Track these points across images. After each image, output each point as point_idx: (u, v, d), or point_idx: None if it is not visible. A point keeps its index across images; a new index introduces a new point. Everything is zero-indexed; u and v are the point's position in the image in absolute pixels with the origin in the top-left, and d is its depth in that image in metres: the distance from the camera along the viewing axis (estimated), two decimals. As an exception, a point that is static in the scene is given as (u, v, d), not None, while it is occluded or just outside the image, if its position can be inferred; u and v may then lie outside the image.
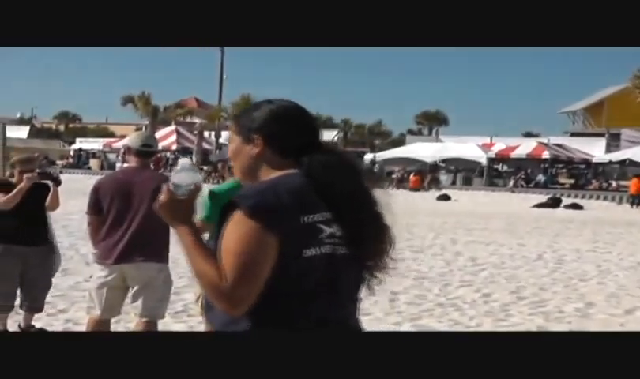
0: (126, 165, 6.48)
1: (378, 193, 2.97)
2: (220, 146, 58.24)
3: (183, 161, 2.92)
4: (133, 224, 6.21)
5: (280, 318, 2.74)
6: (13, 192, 7.40)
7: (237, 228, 2.67)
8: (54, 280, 8.14)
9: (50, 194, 7.64)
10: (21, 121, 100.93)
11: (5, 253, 7.45)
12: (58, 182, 7.87)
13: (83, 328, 7.83)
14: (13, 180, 7.66)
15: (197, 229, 2.81)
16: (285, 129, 2.89)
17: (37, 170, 7.90)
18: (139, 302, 6.34)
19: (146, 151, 6.46)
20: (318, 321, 2.77)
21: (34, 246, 7.53)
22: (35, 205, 7.53)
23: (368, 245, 2.89)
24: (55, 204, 7.71)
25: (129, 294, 6.42)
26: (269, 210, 2.66)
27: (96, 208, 6.38)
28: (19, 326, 7.97)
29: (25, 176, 7.45)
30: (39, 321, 8.16)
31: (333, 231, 2.79)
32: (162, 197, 2.81)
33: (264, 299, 2.69)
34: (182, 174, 2.84)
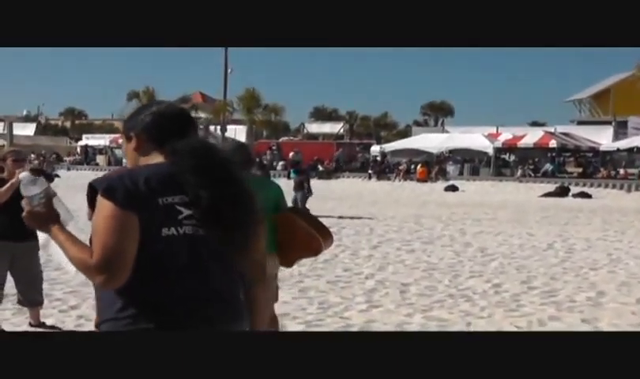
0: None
1: (243, 174, 3.21)
2: (225, 141, 58.28)
3: (22, 176, 3.36)
4: None
5: (149, 296, 2.95)
6: (4, 187, 7.40)
7: (98, 209, 2.93)
8: (65, 277, 8.16)
9: None
10: (27, 119, 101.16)
11: None
12: (50, 179, 7.86)
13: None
14: (4, 175, 7.66)
15: (63, 226, 3.14)
16: (155, 124, 3.17)
17: (29, 167, 7.93)
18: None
19: None
20: (185, 298, 2.97)
21: (22, 241, 7.45)
22: None
23: (222, 226, 3.02)
24: None
25: None
26: (123, 190, 2.91)
27: None
28: (29, 323, 7.99)
29: (17, 171, 7.46)
30: (51, 318, 8.17)
31: (192, 213, 2.99)
32: (24, 213, 3.20)
33: (133, 278, 2.90)
34: (29, 187, 3.22)
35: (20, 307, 8.13)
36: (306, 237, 6.25)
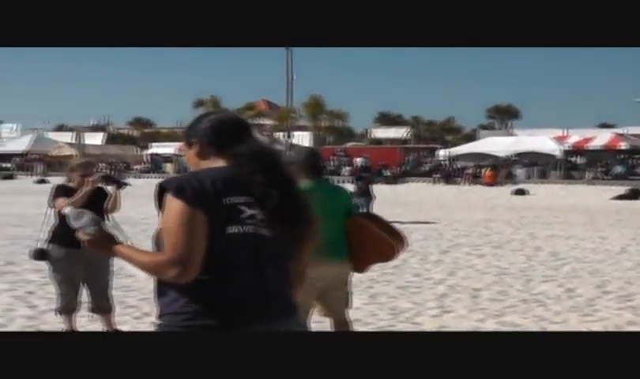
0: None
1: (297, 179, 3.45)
2: (291, 147, 58.47)
3: (68, 211, 3.52)
4: None
5: (209, 294, 3.12)
6: (77, 195, 7.50)
7: (168, 208, 3.11)
8: (137, 284, 8.24)
9: (112, 198, 7.74)
10: (96, 128, 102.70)
11: (66, 257, 7.56)
12: (120, 185, 7.94)
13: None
14: (72, 184, 7.76)
15: (121, 243, 3.39)
16: (214, 131, 3.36)
17: (100, 175, 8.02)
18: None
19: None
20: (243, 297, 3.14)
21: None
22: (96, 208, 7.57)
23: (286, 226, 3.22)
24: (115, 207, 7.77)
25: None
26: (191, 190, 3.09)
27: None
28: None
29: (89, 179, 7.56)
30: (126, 325, 8.25)
31: (254, 213, 3.17)
32: (85, 242, 3.39)
33: (196, 276, 3.08)
34: (77, 221, 3.40)
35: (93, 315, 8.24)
36: (379, 242, 6.21)
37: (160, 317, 3.23)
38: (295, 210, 3.24)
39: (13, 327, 8.47)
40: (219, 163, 3.28)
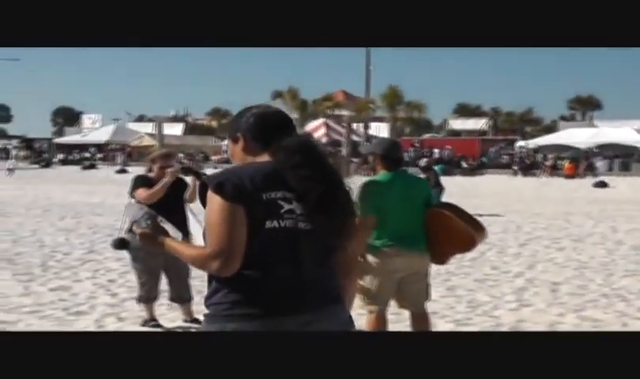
0: None
1: (341, 174, 3.40)
2: (368, 138, 58.33)
3: (126, 204, 3.84)
4: None
5: (249, 285, 3.20)
6: (157, 186, 7.60)
7: (210, 203, 3.20)
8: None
9: (191, 188, 7.82)
10: (175, 119, 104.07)
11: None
12: (199, 177, 8.01)
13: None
14: (152, 175, 7.86)
15: (169, 237, 3.51)
16: (260, 125, 3.42)
17: (179, 166, 8.10)
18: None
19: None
20: (282, 288, 3.22)
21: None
22: (176, 199, 7.67)
23: (327, 219, 3.25)
24: (194, 198, 7.84)
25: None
26: (231, 186, 3.17)
27: None
28: (183, 320, 8.20)
29: (169, 170, 7.64)
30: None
31: (292, 208, 3.24)
32: (139, 239, 3.58)
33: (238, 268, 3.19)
34: (133, 212, 3.58)
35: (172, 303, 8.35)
36: (459, 232, 6.16)
37: (207, 307, 3.33)
38: (336, 203, 3.28)
39: (95, 314, 8.64)
40: (263, 157, 3.35)
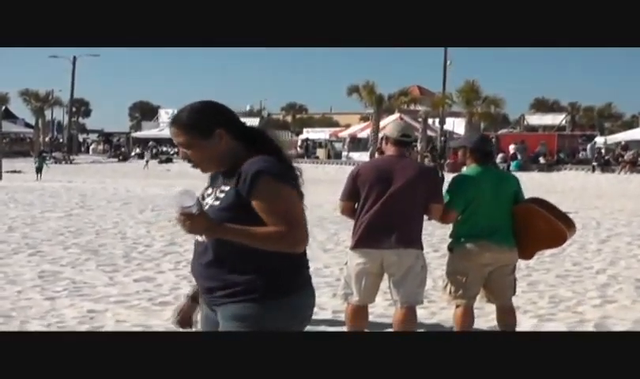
0: (386, 154, 6.61)
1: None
2: (445, 133, 57.93)
3: (176, 191, 3.59)
4: (393, 211, 6.25)
5: (297, 267, 3.61)
6: None
7: (271, 191, 3.44)
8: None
9: None
10: (251, 114, 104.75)
11: None
12: None
13: (327, 313, 8.05)
14: None
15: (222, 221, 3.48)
16: (234, 120, 3.67)
17: None
18: (401, 289, 6.38)
19: (404, 141, 6.52)
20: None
21: None
22: None
23: None
24: None
25: (390, 281, 6.46)
26: (287, 173, 3.55)
27: (351, 194, 6.51)
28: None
29: None
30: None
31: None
32: (191, 223, 3.43)
33: None
34: (184, 199, 3.43)
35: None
36: (549, 227, 6.14)
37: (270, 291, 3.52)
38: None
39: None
40: (242, 151, 3.58)
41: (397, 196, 6.25)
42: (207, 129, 3.57)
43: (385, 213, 6.24)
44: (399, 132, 6.53)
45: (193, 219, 3.42)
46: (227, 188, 3.55)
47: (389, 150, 6.54)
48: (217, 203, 3.58)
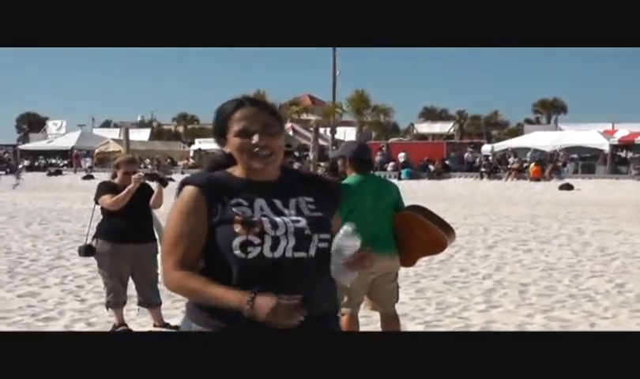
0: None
1: None
2: (336, 142, 58.32)
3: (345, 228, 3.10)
4: None
5: None
6: (122, 193, 7.60)
7: None
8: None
9: (155, 193, 7.85)
10: (142, 125, 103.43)
11: (114, 252, 7.69)
12: (164, 183, 8.03)
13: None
14: (117, 181, 7.85)
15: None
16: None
17: (143, 172, 8.14)
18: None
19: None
20: None
21: (142, 244, 7.76)
22: (142, 204, 7.74)
23: None
24: (159, 203, 7.88)
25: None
26: None
27: None
28: (154, 324, 8.15)
29: (132, 177, 7.65)
30: (175, 319, 8.29)
31: None
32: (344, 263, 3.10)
33: None
34: (346, 239, 3.06)
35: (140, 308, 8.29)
36: (429, 233, 6.18)
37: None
38: None
39: (64, 320, 8.58)
40: None
41: None
42: (282, 123, 3.33)
43: None
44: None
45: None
46: (310, 198, 3.19)
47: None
48: (314, 214, 3.16)
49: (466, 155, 53.90)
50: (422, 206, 6.51)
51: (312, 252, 3.05)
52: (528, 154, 50.53)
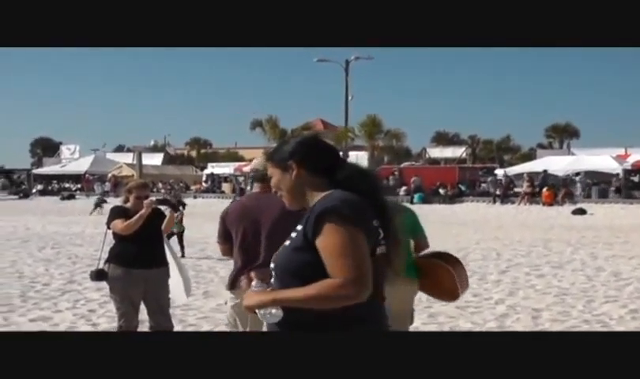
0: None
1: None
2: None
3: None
4: (261, 251, 5.87)
5: (363, 313, 3.23)
6: (134, 218, 7.60)
7: (334, 234, 3.17)
8: (197, 303, 8.28)
9: (167, 219, 7.85)
10: (155, 149, 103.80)
11: (126, 276, 7.67)
12: (175, 209, 8.05)
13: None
14: (129, 205, 7.87)
15: (272, 290, 3.38)
16: (312, 151, 3.47)
17: (155, 197, 8.17)
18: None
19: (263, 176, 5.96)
20: (382, 314, 3.41)
21: (154, 268, 7.74)
22: (154, 229, 7.73)
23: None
24: (170, 228, 7.91)
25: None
26: (354, 214, 3.19)
27: (225, 235, 6.18)
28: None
29: (145, 202, 7.65)
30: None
31: (382, 234, 3.35)
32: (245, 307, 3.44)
33: None
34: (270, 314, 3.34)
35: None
36: (449, 287, 6.36)
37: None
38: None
39: (75, 345, 8.56)
40: (320, 185, 3.39)
41: (264, 235, 5.93)
42: (281, 160, 3.48)
43: (256, 253, 5.92)
44: (263, 167, 5.96)
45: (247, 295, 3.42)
46: (300, 227, 3.32)
47: (256, 187, 6.31)
48: (288, 243, 3.39)
49: (484, 184, 53.94)
50: (456, 258, 6.60)
51: None
52: (540, 176, 50.47)
